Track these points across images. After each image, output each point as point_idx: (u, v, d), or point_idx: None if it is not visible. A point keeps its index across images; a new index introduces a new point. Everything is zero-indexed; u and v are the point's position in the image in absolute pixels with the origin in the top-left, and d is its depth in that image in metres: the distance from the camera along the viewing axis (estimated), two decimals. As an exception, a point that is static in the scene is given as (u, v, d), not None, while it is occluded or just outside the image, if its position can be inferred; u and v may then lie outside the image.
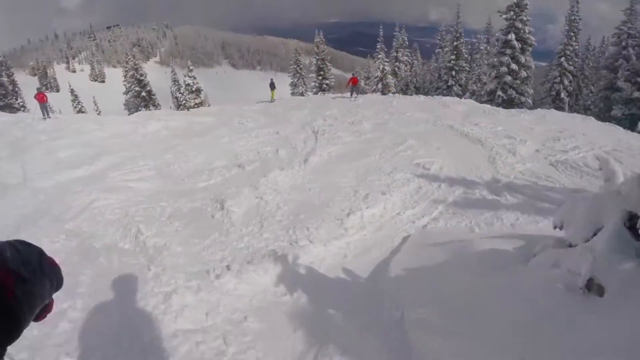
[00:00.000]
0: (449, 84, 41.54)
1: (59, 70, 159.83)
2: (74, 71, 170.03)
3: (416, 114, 18.63)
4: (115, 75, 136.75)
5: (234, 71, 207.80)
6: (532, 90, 33.38)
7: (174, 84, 56.99)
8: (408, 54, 52.15)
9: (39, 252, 0.93)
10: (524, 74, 32.01)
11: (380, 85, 43.01)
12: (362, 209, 8.98)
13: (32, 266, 0.87)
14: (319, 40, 45.21)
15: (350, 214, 8.75)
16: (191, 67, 46.95)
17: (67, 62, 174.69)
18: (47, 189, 10.68)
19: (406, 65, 52.02)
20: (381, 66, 44.17)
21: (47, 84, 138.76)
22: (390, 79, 44.79)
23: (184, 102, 42.66)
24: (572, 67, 36.32)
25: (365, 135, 15.44)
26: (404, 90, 46.38)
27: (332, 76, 46.12)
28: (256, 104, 27.36)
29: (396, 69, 48.81)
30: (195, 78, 46.86)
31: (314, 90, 45.43)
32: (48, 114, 21.23)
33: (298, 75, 50.10)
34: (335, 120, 18.38)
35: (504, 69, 31.85)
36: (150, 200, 10.19)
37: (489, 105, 22.09)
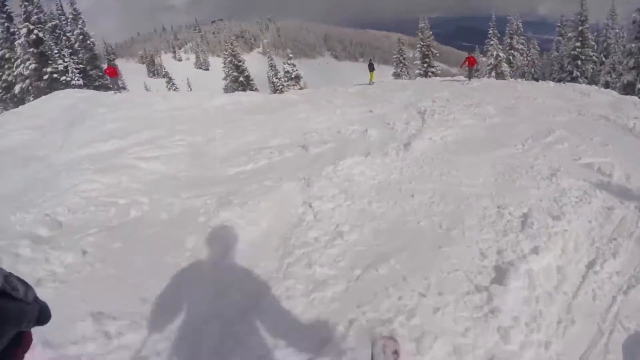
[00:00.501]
0: (574, 75, 35.63)
1: (165, 59, 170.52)
2: (180, 60, 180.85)
3: (550, 101, 14.49)
4: (219, 64, 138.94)
5: (336, 62, 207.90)
6: None
7: (271, 69, 56.76)
8: (523, 41, 46.78)
9: (30, 286, 0.88)
10: None
11: (493, 74, 38.38)
12: (525, 254, 4.39)
13: (18, 289, 0.82)
14: (423, 25, 41.59)
15: (506, 273, 4.04)
16: (290, 55, 47.80)
17: (174, 52, 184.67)
18: (57, 165, 8.88)
19: (522, 54, 46.85)
20: (495, 52, 39.71)
21: (155, 71, 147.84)
22: (505, 67, 40.14)
23: (280, 87, 41.39)
24: None
25: (491, 120, 11.41)
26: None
27: (438, 65, 42.08)
28: (353, 86, 24.19)
29: (511, 57, 43.61)
30: (294, 65, 47.67)
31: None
32: (119, 89, 21.25)
33: (401, 65, 47.82)
34: (447, 102, 14.53)
35: None
36: (141, 189, 7.34)
37: (637, 97, 17.34)
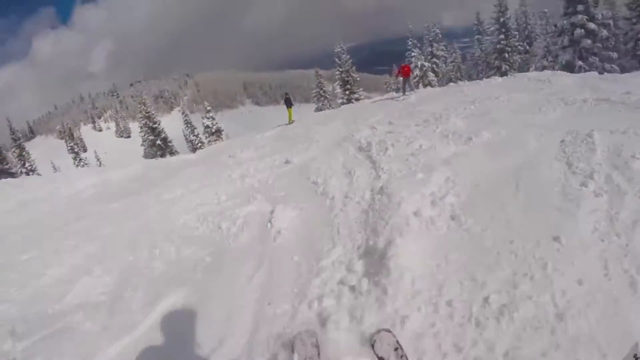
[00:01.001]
0: (503, 69, 34.40)
1: (85, 131, 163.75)
2: (100, 130, 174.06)
3: (515, 96, 11.67)
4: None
5: (258, 109, 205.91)
6: (615, 54, 26.35)
7: (187, 126, 53.45)
8: (444, 47, 45.20)
9: None
10: (604, 33, 25.39)
11: (421, 86, 35.60)
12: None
13: None
14: (339, 50, 38.58)
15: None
16: (208, 108, 46.32)
17: (93, 122, 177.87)
18: None
19: (445, 61, 45.91)
20: (419, 62, 37.58)
21: (74, 145, 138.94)
22: (432, 76, 38.22)
23: (198, 144, 38.46)
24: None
25: (479, 137, 7.60)
26: (449, 87, 39.81)
27: (361, 89, 39.42)
28: (271, 129, 20.44)
29: (434, 65, 41.49)
30: (214, 119, 46.15)
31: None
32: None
33: (322, 99, 45.31)
34: (393, 126, 10.82)
35: (579, 31, 25.39)
36: None
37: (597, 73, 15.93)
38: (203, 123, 46.33)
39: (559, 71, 18.21)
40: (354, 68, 38.67)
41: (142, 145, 50.08)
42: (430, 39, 42.47)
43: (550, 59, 29.18)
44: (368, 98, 29.60)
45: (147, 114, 48.16)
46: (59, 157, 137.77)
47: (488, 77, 30.93)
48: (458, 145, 7.54)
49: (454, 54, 50.15)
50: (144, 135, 48.45)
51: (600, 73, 16.80)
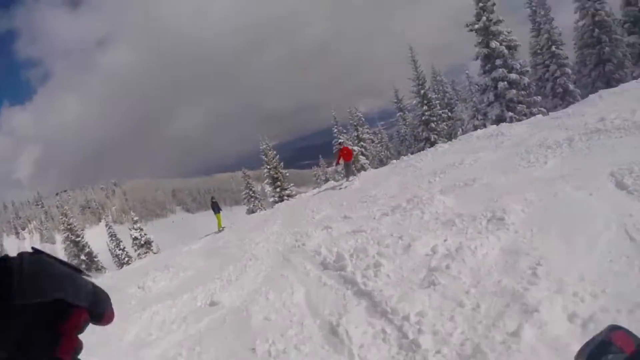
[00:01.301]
0: (432, 139, 33.55)
1: (9, 242, 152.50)
2: (24, 239, 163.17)
3: (482, 155, 10.52)
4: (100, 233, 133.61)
5: (189, 216, 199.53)
6: (539, 98, 26.96)
7: (112, 239, 49.19)
8: (368, 130, 44.87)
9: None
10: (525, 80, 25.88)
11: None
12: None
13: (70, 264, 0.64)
14: (265, 146, 36.43)
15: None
16: (135, 219, 44.02)
17: (17, 233, 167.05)
18: None
19: (372, 142, 45.76)
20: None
21: None
22: (363, 159, 37.22)
23: (125, 259, 34.93)
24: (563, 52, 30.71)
25: (509, 215, 5.50)
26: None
27: (292, 184, 37.10)
28: (199, 240, 17.70)
29: (362, 149, 40.26)
30: (142, 230, 43.40)
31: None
32: None
33: (253, 199, 43.28)
34: (352, 221, 8.62)
35: (501, 84, 25.44)
36: None
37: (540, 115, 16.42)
38: (131, 235, 43.61)
39: (503, 123, 17.52)
40: (281, 164, 36.62)
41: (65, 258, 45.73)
42: (355, 123, 41.91)
43: (479, 117, 28.77)
44: (301, 193, 27.49)
45: (69, 226, 44.57)
46: None
47: (418, 150, 30.16)
48: (492, 233, 5.06)
49: (379, 135, 50.38)
50: (67, 249, 44.99)
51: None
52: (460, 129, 32.25)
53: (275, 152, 36.46)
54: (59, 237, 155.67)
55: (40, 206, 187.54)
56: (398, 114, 42.67)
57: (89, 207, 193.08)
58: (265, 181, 36.95)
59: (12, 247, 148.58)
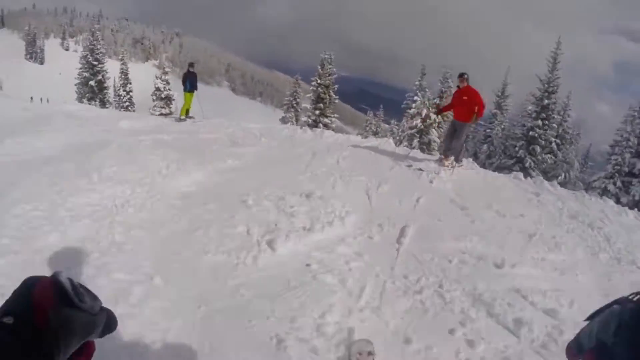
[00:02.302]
0: (526, 165, 25.12)
1: (51, 44, 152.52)
2: (67, 49, 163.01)
3: None
4: (107, 65, 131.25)
5: (232, 95, 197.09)
6: None
7: (122, 77, 45.93)
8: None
9: (97, 298, 0.81)
10: None
11: (416, 142, 25.57)
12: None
13: (86, 301, 0.74)
14: (326, 56, 30.15)
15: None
16: (166, 69, 40.58)
17: (64, 38, 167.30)
18: None
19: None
20: (424, 111, 25.41)
21: (33, 53, 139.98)
22: (435, 134, 26.88)
23: (126, 103, 31.80)
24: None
25: None
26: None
27: (335, 115, 31.57)
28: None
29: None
30: (168, 83, 40.22)
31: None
32: None
33: (292, 110, 38.52)
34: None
35: None
36: None
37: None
38: (155, 84, 40.11)
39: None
40: (335, 87, 30.78)
41: (76, 79, 43.11)
42: (443, 79, 31.27)
43: (619, 184, 22.40)
44: (342, 133, 22.70)
45: (91, 46, 41.31)
46: (12, 58, 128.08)
47: (502, 167, 24.19)
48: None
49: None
50: (80, 69, 41.92)
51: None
52: (565, 175, 24.66)
53: (334, 69, 30.51)
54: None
55: (96, 21, 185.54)
56: (493, 111, 31.75)
57: (142, 44, 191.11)
58: (309, 95, 31.55)
59: (53, 50, 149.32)
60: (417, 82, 30.50)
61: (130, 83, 36.51)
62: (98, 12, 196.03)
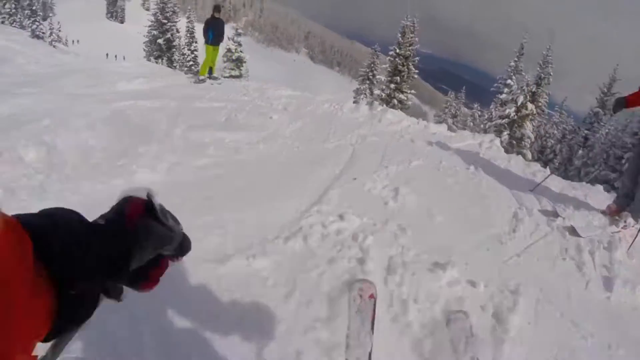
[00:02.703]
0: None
1: (133, 4, 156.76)
2: (148, 9, 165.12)
3: None
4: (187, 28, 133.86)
5: (310, 63, 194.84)
6: None
7: (187, 34, 44.01)
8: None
9: (179, 222, 0.89)
10: None
11: (506, 136, 21.12)
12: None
13: (168, 218, 0.83)
14: (409, 23, 25.44)
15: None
16: (240, 31, 38.60)
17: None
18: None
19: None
20: (521, 99, 20.75)
21: (114, 12, 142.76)
22: (529, 129, 21.67)
23: (190, 64, 33.27)
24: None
25: None
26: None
27: (412, 92, 26.55)
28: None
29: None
30: (240, 45, 38.17)
31: (378, 103, 25.01)
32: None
33: (368, 82, 34.61)
34: None
35: None
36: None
37: None
38: (226, 45, 38.11)
39: None
40: (416, 59, 25.67)
41: (144, 36, 41.52)
42: (544, 61, 25.87)
43: None
44: (416, 116, 19.14)
45: (162, 4, 39.79)
46: (93, 17, 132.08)
47: (602, 179, 18.77)
48: None
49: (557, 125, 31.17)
50: (149, 27, 40.38)
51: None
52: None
53: (416, 40, 25.68)
54: (180, 20, 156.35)
55: None
56: (594, 109, 25.34)
57: (222, 7, 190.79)
58: (386, 67, 26.92)
59: (134, 9, 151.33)
60: (511, 63, 24.94)
61: (196, 42, 33.81)
62: None
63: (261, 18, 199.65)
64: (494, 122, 21.28)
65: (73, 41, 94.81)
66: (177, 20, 39.48)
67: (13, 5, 31.19)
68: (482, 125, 23.12)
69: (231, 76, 39.72)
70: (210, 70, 12.82)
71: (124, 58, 63.57)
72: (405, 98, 24.33)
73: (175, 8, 40.97)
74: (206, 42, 12.20)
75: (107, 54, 70.58)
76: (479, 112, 32.81)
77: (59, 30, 58.05)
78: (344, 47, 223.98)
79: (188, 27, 41.82)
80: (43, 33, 26.75)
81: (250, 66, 38.93)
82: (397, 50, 24.52)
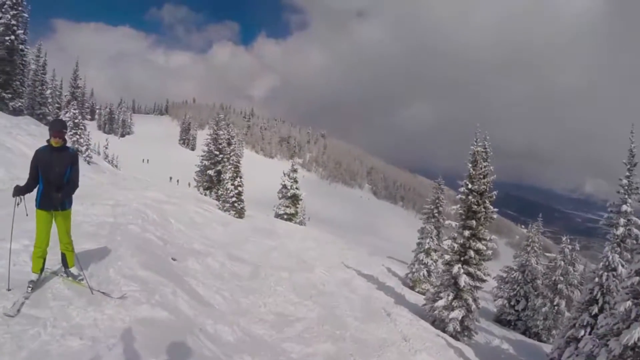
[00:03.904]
0: None
1: (203, 134, 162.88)
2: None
3: None
4: (251, 160, 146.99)
5: (373, 199, 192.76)
6: None
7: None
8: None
9: None
10: None
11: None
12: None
13: None
14: (480, 149, 19.46)
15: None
16: (295, 167, 39.80)
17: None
18: None
19: None
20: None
21: (185, 139, 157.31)
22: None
23: (230, 202, 28.48)
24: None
25: None
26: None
27: (492, 237, 19.91)
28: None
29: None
30: (296, 182, 38.94)
31: (449, 257, 19.06)
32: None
33: (433, 219, 29.95)
34: None
35: None
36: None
37: None
38: (282, 182, 38.71)
39: None
40: (493, 195, 19.62)
41: (196, 166, 39.50)
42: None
43: None
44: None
45: (217, 129, 37.74)
46: (167, 142, 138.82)
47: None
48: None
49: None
50: (202, 157, 38.69)
51: None
52: None
53: (491, 169, 19.90)
54: (246, 152, 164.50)
55: (246, 120, 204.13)
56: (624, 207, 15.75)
57: (288, 142, 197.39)
58: (456, 208, 19.71)
59: (204, 139, 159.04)
60: (624, 181, 16.19)
61: (241, 177, 30.60)
62: (251, 110, 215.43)
63: (324, 154, 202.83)
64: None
65: (143, 160, 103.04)
66: (229, 153, 36.55)
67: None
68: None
69: (286, 214, 36.10)
70: (63, 258, 6.79)
71: (177, 182, 63.51)
72: (484, 247, 18.40)
73: (232, 140, 38.68)
74: (37, 206, 6.25)
75: (170, 177, 71.67)
76: (569, 242, 25.79)
77: (106, 148, 58.24)
78: (407, 181, 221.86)
79: (232, 160, 36.97)
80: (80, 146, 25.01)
81: (310, 203, 35.57)
82: (470, 186, 18.80)
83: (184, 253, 12.45)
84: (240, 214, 28.29)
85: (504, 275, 28.90)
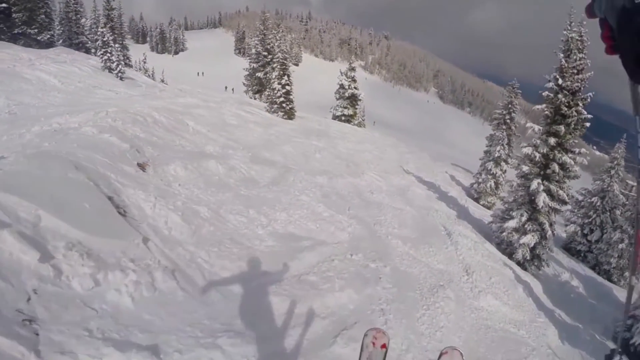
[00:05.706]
0: None
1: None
2: None
3: None
4: (310, 64, 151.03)
5: (439, 103, 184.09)
6: None
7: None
8: None
9: None
10: None
11: None
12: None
13: None
14: (574, 35, 15.02)
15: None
16: (353, 65, 37.36)
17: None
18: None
19: None
20: None
21: (241, 49, 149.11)
22: None
23: (279, 102, 26.70)
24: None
25: None
26: None
27: (582, 150, 15.41)
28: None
29: None
30: (354, 81, 36.51)
31: (527, 169, 15.31)
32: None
33: (504, 128, 26.72)
34: None
35: None
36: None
37: None
38: (339, 81, 36.43)
39: None
40: (588, 96, 15.14)
41: (244, 70, 41.13)
42: None
43: None
44: None
45: (264, 30, 35.89)
46: (223, 53, 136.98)
47: None
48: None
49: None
50: (250, 60, 40.19)
51: None
52: None
53: (588, 63, 15.06)
54: (304, 56, 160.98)
55: (303, 23, 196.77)
56: None
57: (348, 45, 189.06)
58: (541, 108, 15.40)
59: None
60: None
61: (289, 76, 27.66)
62: (307, 13, 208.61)
63: (387, 56, 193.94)
64: None
65: (198, 73, 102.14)
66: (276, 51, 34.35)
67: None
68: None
69: (344, 115, 34.23)
70: None
71: (232, 90, 62.98)
72: (572, 161, 14.91)
73: (279, 40, 36.34)
74: None
75: (225, 87, 73.85)
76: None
77: (144, 62, 57.55)
78: (475, 86, 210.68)
79: (279, 57, 33.45)
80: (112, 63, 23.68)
81: (373, 106, 33.14)
82: (560, 81, 14.47)
83: (171, 157, 10.17)
84: (289, 115, 26.29)
85: (580, 198, 24.71)
